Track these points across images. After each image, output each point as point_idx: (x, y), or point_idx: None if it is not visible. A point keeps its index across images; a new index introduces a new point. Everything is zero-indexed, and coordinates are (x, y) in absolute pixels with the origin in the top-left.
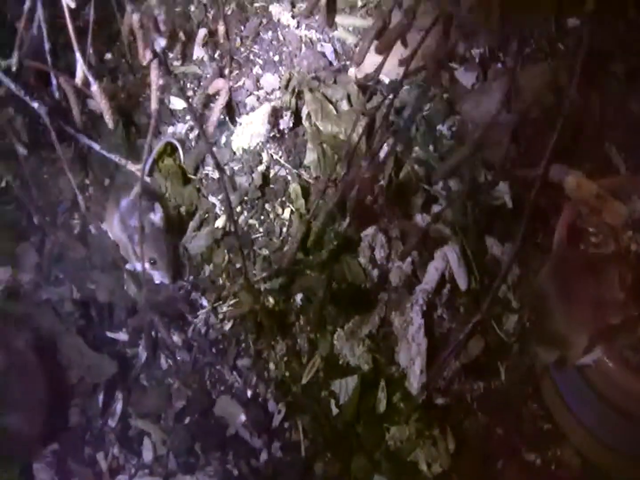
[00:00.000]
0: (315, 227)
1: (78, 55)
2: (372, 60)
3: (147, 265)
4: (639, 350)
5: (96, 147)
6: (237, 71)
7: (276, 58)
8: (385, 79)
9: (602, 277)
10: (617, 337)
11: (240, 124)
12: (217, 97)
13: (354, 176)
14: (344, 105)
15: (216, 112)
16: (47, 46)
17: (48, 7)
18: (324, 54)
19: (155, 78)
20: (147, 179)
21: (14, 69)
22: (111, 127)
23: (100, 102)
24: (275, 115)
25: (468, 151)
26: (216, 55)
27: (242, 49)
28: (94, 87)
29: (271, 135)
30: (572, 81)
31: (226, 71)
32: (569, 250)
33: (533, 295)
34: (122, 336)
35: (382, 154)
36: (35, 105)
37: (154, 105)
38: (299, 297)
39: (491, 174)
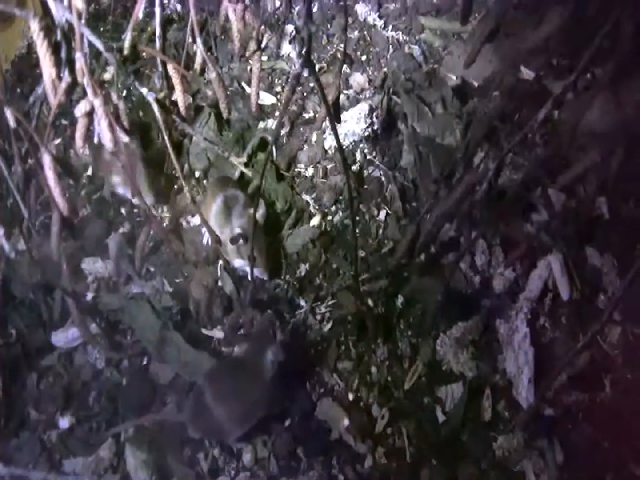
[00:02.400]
0: (425, 230)
1: (199, 40)
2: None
3: (244, 261)
4: None
5: (200, 137)
6: (325, 69)
7: (363, 58)
8: (474, 82)
9: None
10: None
11: None
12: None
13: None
14: (439, 108)
15: (326, 107)
16: (158, 31)
17: None
18: (412, 56)
19: (257, 70)
20: (250, 174)
21: (125, 52)
22: (226, 116)
23: (217, 89)
24: (369, 114)
25: (596, 159)
26: (303, 52)
27: (329, 47)
28: (213, 75)
29: (365, 135)
30: None
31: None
32: None
33: None
34: (218, 333)
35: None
36: (144, 90)
37: (254, 99)
38: (399, 300)
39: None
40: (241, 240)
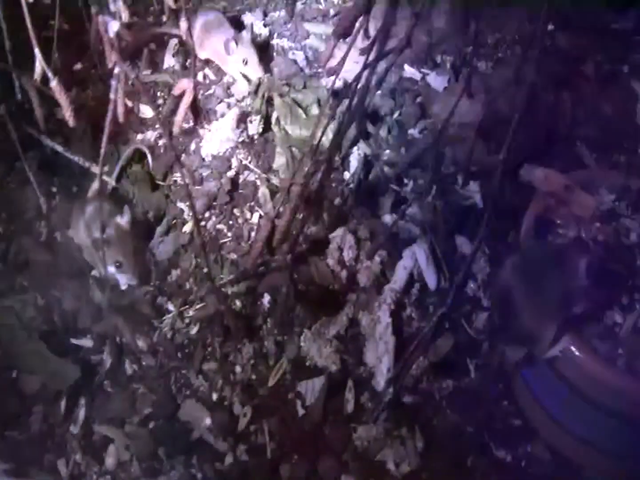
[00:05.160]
0: (281, 227)
1: (37, 50)
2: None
3: (112, 269)
4: (606, 338)
5: (59, 148)
6: (208, 79)
7: None
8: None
9: (568, 267)
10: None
11: (210, 130)
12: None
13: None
14: (315, 110)
15: (181, 111)
16: (7, 45)
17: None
18: (295, 61)
19: (116, 80)
20: (114, 183)
21: None
22: (72, 125)
23: (59, 98)
24: (244, 120)
25: (431, 140)
26: (187, 64)
27: None
28: (53, 83)
29: (240, 140)
30: None
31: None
32: (535, 242)
33: (498, 290)
34: (87, 342)
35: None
36: None
37: (120, 109)
38: (266, 299)
39: (457, 170)
40: (106, 248)
